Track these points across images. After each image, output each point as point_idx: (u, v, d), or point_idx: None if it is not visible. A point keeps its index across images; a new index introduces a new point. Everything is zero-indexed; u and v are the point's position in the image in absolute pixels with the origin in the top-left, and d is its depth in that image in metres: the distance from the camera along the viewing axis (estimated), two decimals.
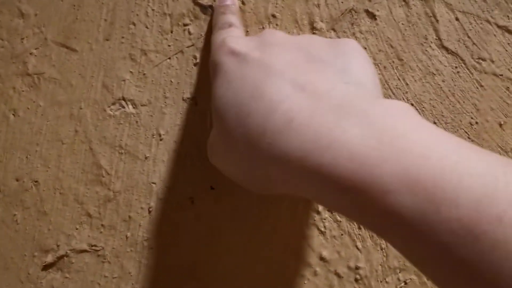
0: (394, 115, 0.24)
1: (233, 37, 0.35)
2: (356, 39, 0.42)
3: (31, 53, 0.48)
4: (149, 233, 0.44)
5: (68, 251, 0.45)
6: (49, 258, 0.45)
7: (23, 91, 0.48)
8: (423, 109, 0.40)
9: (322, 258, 0.41)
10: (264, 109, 0.27)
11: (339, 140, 0.23)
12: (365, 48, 0.42)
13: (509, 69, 0.39)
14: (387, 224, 0.22)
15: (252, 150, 0.27)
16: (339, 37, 0.42)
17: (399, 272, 0.39)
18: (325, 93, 0.26)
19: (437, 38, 0.41)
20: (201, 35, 0.45)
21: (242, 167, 0.29)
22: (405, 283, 0.39)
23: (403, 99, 0.41)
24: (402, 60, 0.41)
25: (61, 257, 0.45)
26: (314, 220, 0.41)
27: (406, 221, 0.21)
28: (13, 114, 0.48)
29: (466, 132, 0.39)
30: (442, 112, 0.40)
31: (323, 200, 0.26)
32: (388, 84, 0.41)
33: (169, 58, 0.46)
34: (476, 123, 0.39)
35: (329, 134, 0.24)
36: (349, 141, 0.23)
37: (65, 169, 0.46)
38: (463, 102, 0.40)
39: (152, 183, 0.44)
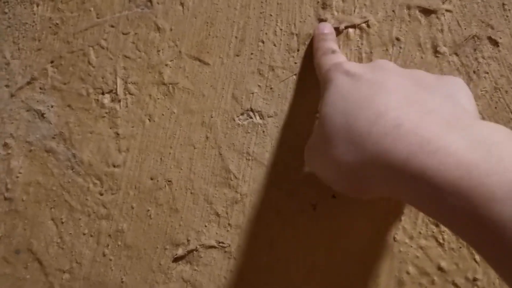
0: (499, 132, 0.26)
1: (349, 62, 0.41)
2: (479, 64, 0.48)
3: (166, 65, 0.56)
4: (274, 233, 0.51)
5: (198, 246, 0.52)
6: (180, 251, 0.53)
7: (158, 98, 0.56)
8: None
9: (440, 268, 0.47)
10: (372, 115, 0.30)
11: (446, 148, 0.25)
12: (487, 73, 0.47)
13: None
14: (486, 232, 0.23)
15: (355, 152, 0.29)
16: (461, 62, 0.48)
17: None
18: (433, 110, 0.29)
19: None
20: None
21: (340, 169, 0.31)
22: None
23: None
24: None
25: (191, 251, 0.53)
26: (433, 232, 0.47)
27: (508, 231, 0.22)
28: (148, 119, 0.56)
29: None
30: None
31: (419, 203, 0.27)
32: (509, 108, 0.47)
33: (295, 74, 0.53)
34: None
35: (436, 141, 0.26)
36: (456, 150, 0.25)
37: (196, 171, 0.54)
38: None
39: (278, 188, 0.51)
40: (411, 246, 0.43)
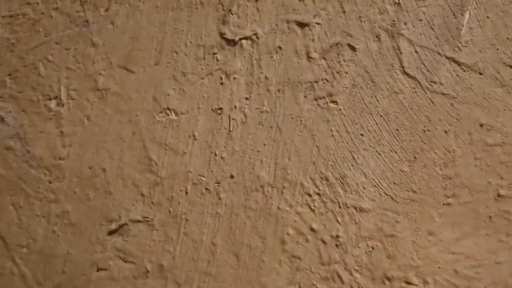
0: None
1: None
2: (341, 66, 0.63)
3: (100, 73, 0.72)
4: (186, 209, 0.66)
5: (127, 221, 0.67)
6: (113, 226, 0.68)
7: (94, 102, 0.71)
8: (389, 119, 0.60)
9: (312, 229, 0.62)
10: None
11: None
12: (347, 73, 0.62)
13: (453, 90, 0.59)
14: None
15: None
16: (328, 64, 0.63)
17: (368, 240, 0.59)
18: None
19: (400, 66, 0.61)
20: (226, 61, 0.67)
21: None
22: (372, 248, 0.59)
23: (375, 112, 0.61)
24: (374, 82, 0.61)
25: (122, 226, 0.67)
26: (307, 201, 0.62)
27: None
28: (87, 119, 0.71)
29: (420, 137, 0.59)
30: (403, 122, 0.60)
31: None
32: (363, 101, 0.62)
33: (202, 78, 0.68)
34: (428, 130, 0.59)
35: None
36: None
37: (125, 160, 0.69)
38: (419, 114, 0.60)
39: (189, 171, 0.67)
40: (291, 213, 0.59)
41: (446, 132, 0.50)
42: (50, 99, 0.63)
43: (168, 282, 0.56)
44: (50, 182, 0.61)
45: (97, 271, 0.59)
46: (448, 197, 0.49)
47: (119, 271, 0.58)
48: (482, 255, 0.47)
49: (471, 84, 0.50)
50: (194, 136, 0.58)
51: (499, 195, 0.47)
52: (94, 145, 0.60)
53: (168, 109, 0.59)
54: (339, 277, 0.51)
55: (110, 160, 0.60)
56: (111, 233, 0.59)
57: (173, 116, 0.59)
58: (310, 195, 0.54)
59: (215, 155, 0.57)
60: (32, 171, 0.62)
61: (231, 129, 0.57)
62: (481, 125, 0.49)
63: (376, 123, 0.52)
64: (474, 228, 0.48)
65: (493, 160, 0.48)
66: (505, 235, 0.47)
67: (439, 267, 0.48)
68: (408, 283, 0.49)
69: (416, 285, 0.48)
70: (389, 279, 0.50)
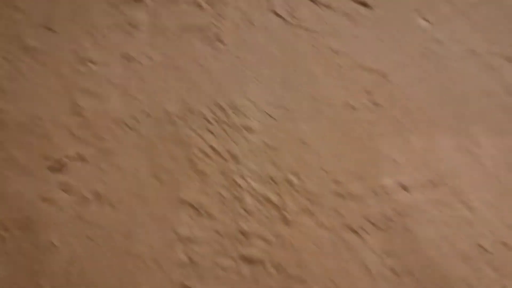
0: None
1: None
2: (224, 10, 0.77)
3: (26, 34, 0.85)
4: (112, 144, 0.82)
5: (65, 159, 0.82)
6: (54, 164, 0.83)
7: (25, 60, 0.85)
8: (266, 53, 0.76)
9: (213, 149, 0.78)
10: None
11: None
12: (230, 17, 0.77)
13: (313, 24, 0.75)
14: None
15: None
16: (215, 11, 0.78)
17: (257, 153, 0.76)
18: None
19: (271, 6, 0.76)
20: (132, 14, 0.81)
21: None
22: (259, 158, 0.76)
23: (255, 48, 0.76)
24: (252, 22, 0.76)
25: (61, 163, 0.83)
26: (207, 126, 0.78)
27: None
28: (21, 76, 0.85)
29: (291, 64, 0.75)
30: (276, 53, 0.75)
31: None
32: (245, 38, 0.77)
33: (113, 31, 0.82)
34: (296, 59, 0.75)
35: None
36: None
37: (57, 108, 0.83)
38: (287, 45, 0.75)
39: (111, 112, 0.82)
40: (196, 138, 0.75)
41: (307, 57, 0.66)
42: None
43: (104, 206, 0.73)
44: None
45: (45, 202, 0.75)
46: (314, 112, 0.66)
47: (63, 201, 0.74)
48: (341, 154, 0.64)
49: (326, 20, 0.66)
50: (112, 82, 0.73)
51: (351, 106, 0.64)
52: (29, 98, 0.75)
53: (88, 60, 0.73)
54: (237, 184, 0.68)
55: (44, 109, 0.74)
56: (52, 170, 0.74)
57: (92, 66, 0.73)
58: (209, 121, 0.70)
59: (131, 96, 0.73)
60: None
61: (142, 74, 0.72)
62: (334, 52, 0.65)
63: (256, 57, 0.67)
64: (335, 133, 0.65)
65: (340, 78, 0.64)
66: (357, 137, 0.64)
67: (311, 167, 0.65)
68: (288, 181, 0.66)
69: (294, 183, 0.66)
70: (274, 181, 0.67)
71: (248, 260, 0.62)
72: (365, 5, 0.61)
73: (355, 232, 0.61)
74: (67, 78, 0.70)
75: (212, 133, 0.66)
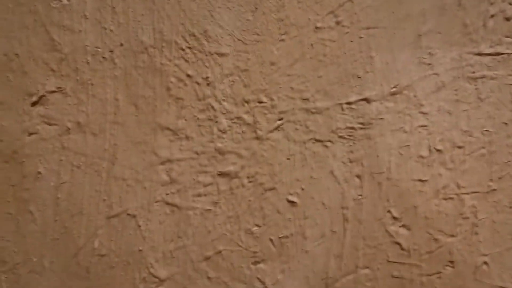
0: None
1: None
2: None
3: None
4: (89, 76, 0.87)
5: (45, 93, 0.88)
6: (34, 98, 0.88)
7: None
8: None
9: (188, 75, 0.84)
10: None
11: None
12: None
13: None
14: None
15: None
16: None
17: (229, 76, 0.83)
18: None
19: None
20: None
21: None
22: (233, 82, 0.83)
23: None
24: None
25: (41, 97, 0.88)
26: (181, 54, 0.84)
27: None
28: None
29: None
30: None
31: None
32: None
33: None
34: None
35: None
36: None
37: (33, 44, 0.87)
38: None
39: (86, 45, 0.86)
40: (171, 66, 0.80)
41: None
42: None
43: (87, 134, 0.78)
44: None
45: (29, 135, 0.80)
46: (282, 35, 0.72)
47: (46, 133, 0.79)
48: (308, 73, 0.71)
49: None
50: (86, 16, 0.77)
51: (316, 27, 0.71)
52: (4, 36, 0.78)
53: None
54: (212, 107, 0.75)
55: (20, 45, 0.78)
56: (33, 104, 0.79)
57: (65, 2, 0.77)
58: (183, 50, 0.76)
59: (105, 29, 0.77)
60: None
61: (114, 6, 0.76)
62: None
63: None
64: (302, 54, 0.72)
65: (306, 1, 0.71)
66: (323, 56, 0.71)
67: (280, 87, 0.72)
68: (260, 102, 0.73)
69: (265, 102, 0.73)
70: (247, 102, 0.74)
71: (225, 175, 0.69)
72: None
73: (323, 144, 0.68)
74: (41, 14, 0.73)
75: (186, 60, 0.72)
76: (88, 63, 0.72)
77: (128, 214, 0.70)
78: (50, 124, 0.73)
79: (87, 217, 0.71)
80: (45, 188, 0.72)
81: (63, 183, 0.71)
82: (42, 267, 0.71)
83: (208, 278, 0.69)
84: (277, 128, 0.68)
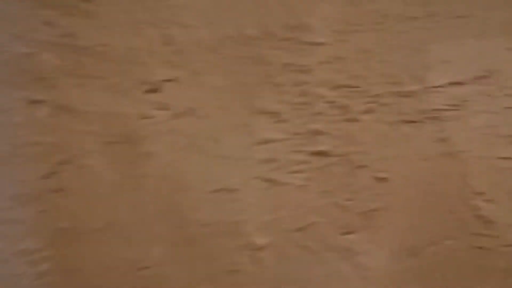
0: None
1: None
2: None
3: None
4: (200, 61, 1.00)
5: (159, 82, 1.01)
6: (150, 87, 1.01)
7: None
8: None
9: None
10: None
11: None
12: None
13: None
14: None
15: None
16: None
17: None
18: None
19: None
20: None
21: None
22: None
23: None
24: None
25: (156, 85, 1.01)
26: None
27: None
28: None
29: None
30: None
31: None
32: None
33: None
34: None
35: None
36: None
37: (151, 40, 1.02)
38: None
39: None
40: (272, 56, 0.92)
41: None
42: None
43: (194, 118, 0.90)
44: (99, 64, 0.94)
45: (144, 119, 0.93)
46: (377, 25, 0.83)
47: (159, 117, 0.92)
48: (399, 60, 0.80)
49: None
50: (197, 12, 0.90)
51: (408, 17, 0.81)
52: (126, 32, 0.92)
53: None
54: (308, 92, 0.86)
55: (140, 41, 0.92)
56: (149, 92, 0.93)
57: (180, 0, 0.90)
58: (284, 41, 0.87)
59: (214, 24, 0.90)
60: (83, 58, 0.94)
61: (222, 3, 0.89)
62: None
63: None
64: (394, 42, 0.82)
65: None
66: (415, 43, 0.80)
67: (373, 73, 0.82)
68: (353, 86, 0.83)
69: (359, 87, 0.83)
70: (341, 87, 0.84)
71: (318, 154, 0.80)
72: None
73: (411, 125, 0.77)
74: (158, 12, 0.87)
75: (286, 50, 0.83)
76: (199, 54, 0.84)
77: (230, 189, 0.81)
78: (163, 109, 0.85)
79: (193, 192, 0.82)
80: (157, 166, 0.83)
81: (172, 161, 0.83)
82: (152, 235, 0.83)
83: (301, 246, 0.78)
84: (368, 111, 0.77)
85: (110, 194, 0.84)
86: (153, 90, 0.84)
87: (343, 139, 0.76)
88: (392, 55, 0.75)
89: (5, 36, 0.85)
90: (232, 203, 0.79)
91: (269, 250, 0.78)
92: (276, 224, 0.77)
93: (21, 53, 0.89)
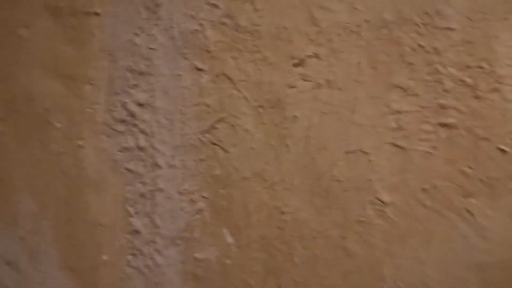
0: None
1: None
2: None
3: None
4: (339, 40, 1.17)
5: (304, 57, 1.20)
6: (296, 61, 1.21)
7: None
8: None
9: None
10: None
11: None
12: None
13: None
14: None
15: None
16: None
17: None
18: None
19: None
20: None
21: None
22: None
23: None
24: None
25: (302, 60, 1.20)
26: None
27: None
28: None
29: None
30: None
31: None
32: None
33: None
34: None
35: None
36: None
37: (298, 21, 1.21)
38: None
39: None
40: (406, 38, 1.08)
41: None
42: None
43: (334, 90, 1.04)
44: (253, 41, 1.15)
45: (290, 88, 1.11)
46: (506, 13, 0.95)
47: (303, 87, 1.10)
48: None
49: None
50: None
51: None
52: (278, 14, 1.11)
53: None
54: (438, 71, 0.99)
55: (289, 21, 1.10)
56: (295, 65, 1.09)
57: None
58: (418, 25, 1.00)
59: (356, 9, 1.06)
60: (240, 35, 1.15)
61: None
62: None
63: None
64: None
65: None
66: None
67: (500, 56, 0.95)
68: (481, 67, 0.97)
69: (486, 68, 0.96)
70: (469, 67, 0.97)
71: (445, 126, 0.94)
72: None
73: None
74: None
75: (419, 34, 0.96)
76: (339, 35, 1.00)
77: (363, 151, 0.97)
78: (306, 81, 1.02)
79: (330, 152, 1.00)
80: (299, 128, 1.01)
81: (313, 125, 1.01)
82: (293, 186, 1.03)
83: (424, 206, 0.94)
84: (494, 90, 0.90)
85: (259, 150, 1.03)
86: (299, 64, 1.02)
87: (469, 114, 0.89)
88: None
89: (178, 15, 1.05)
90: (364, 164, 0.96)
91: (394, 207, 0.95)
92: (402, 184, 0.94)
93: (190, 29, 1.07)
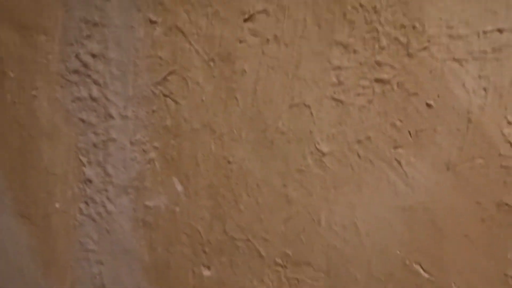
0: None
1: None
2: None
3: None
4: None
5: (254, 12, 1.27)
6: (246, 16, 1.28)
7: None
8: None
9: None
10: None
11: None
12: None
13: None
14: None
15: None
16: None
17: None
18: None
19: None
20: None
21: None
22: None
23: None
24: None
25: (251, 15, 1.27)
26: None
27: None
28: None
29: None
30: None
31: None
32: None
33: None
34: None
35: None
36: None
37: None
38: None
39: None
40: None
41: None
42: None
43: (280, 45, 1.11)
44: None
45: (239, 43, 1.17)
46: None
47: (252, 42, 1.17)
48: (455, 7, 1.00)
49: None
50: None
51: None
52: None
53: None
54: (376, 29, 1.07)
55: None
56: (245, 20, 1.15)
57: None
58: None
59: None
60: None
61: None
62: None
63: None
64: None
65: None
66: None
67: (431, 16, 1.04)
68: (414, 27, 1.06)
69: (418, 28, 1.05)
70: (403, 26, 1.06)
71: (380, 81, 1.03)
72: None
73: (459, 63, 0.99)
74: None
75: None
76: None
77: (305, 105, 1.06)
78: (255, 36, 1.09)
79: (275, 105, 1.08)
80: (248, 82, 1.08)
81: (260, 79, 1.09)
82: (240, 137, 1.11)
83: (358, 155, 1.04)
84: (424, 48, 0.99)
85: (208, 102, 1.10)
86: (248, 19, 1.09)
87: (401, 70, 0.99)
88: (448, 3, 0.95)
89: None
90: (306, 117, 1.05)
91: (332, 156, 1.05)
92: (340, 136, 1.03)
93: None
